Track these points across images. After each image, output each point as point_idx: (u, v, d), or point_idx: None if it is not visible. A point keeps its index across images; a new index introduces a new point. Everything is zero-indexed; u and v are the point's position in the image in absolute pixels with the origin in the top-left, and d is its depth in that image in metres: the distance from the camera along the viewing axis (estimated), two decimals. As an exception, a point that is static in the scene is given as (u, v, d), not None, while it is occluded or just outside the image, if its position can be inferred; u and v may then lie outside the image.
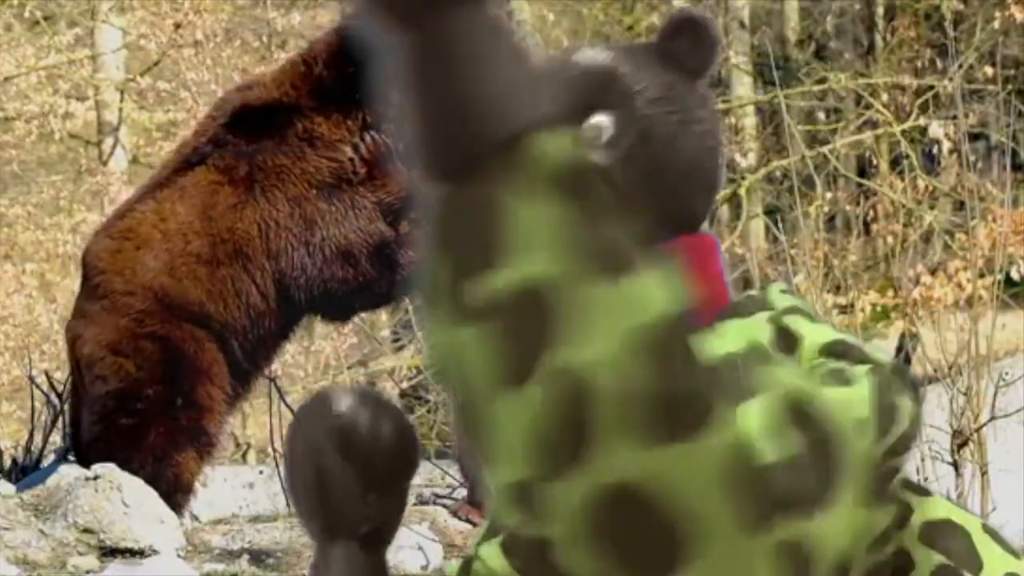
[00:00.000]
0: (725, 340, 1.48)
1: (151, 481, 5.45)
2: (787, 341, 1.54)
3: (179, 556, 5.29)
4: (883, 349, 1.63)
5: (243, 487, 7.95)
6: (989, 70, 12.55)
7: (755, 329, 1.54)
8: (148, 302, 5.66)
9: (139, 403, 5.61)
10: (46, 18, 16.02)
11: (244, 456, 13.13)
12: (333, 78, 5.68)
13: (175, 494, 5.59)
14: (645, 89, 1.63)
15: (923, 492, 1.61)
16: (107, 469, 5.37)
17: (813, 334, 1.55)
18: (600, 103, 1.62)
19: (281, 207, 5.66)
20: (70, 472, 5.56)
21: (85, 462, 5.65)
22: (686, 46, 1.67)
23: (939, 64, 13.77)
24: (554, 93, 1.18)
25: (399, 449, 1.60)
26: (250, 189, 5.67)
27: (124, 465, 5.45)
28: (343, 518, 1.61)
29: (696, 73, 1.68)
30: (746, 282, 11.02)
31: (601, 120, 1.61)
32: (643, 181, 1.61)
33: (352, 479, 1.59)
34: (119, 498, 5.31)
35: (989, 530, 1.62)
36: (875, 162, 13.49)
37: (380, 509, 1.61)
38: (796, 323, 1.56)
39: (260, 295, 5.68)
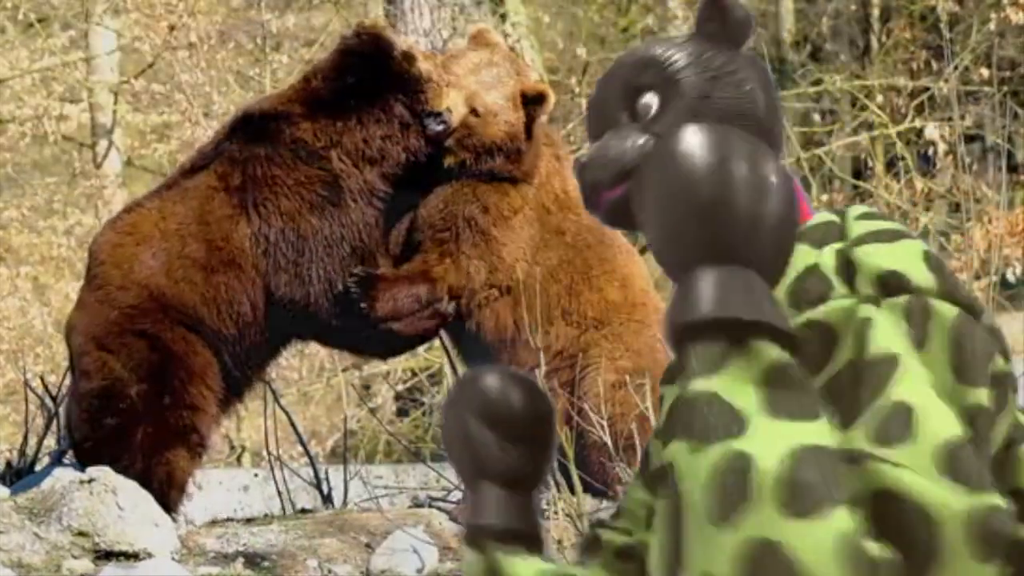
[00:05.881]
0: (792, 266, 1.75)
1: (142, 479, 5.44)
2: (848, 270, 1.77)
3: (174, 559, 5.28)
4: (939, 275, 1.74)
5: (238, 490, 7.95)
6: (985, 72, 12.53)
7: (820, 257, 1.79)
8: (142, 299, 5.67)
9: (122, 403, 5.60)
10: (40, 20, 16.01)
11: (239, 459, 13.12)
12: (328, 89, 5.76)
13: (168, 492, 5.59)
14: (675, 62, 1.92)
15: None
16: (102, 472, 5.36)
17: (873, 261, 1.75)
18: (646, 84, 1.93)
19: (274, 222, 5.71)
20: (65, 475, 5.55)
21: (80, 461, 5.65)
22: (716, 27, 1.95)
23: (935, 66, 13.76)
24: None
25: (530, 410, 2.05)
26: (243, 200, 5.73)
27: (113, 464, 5.45)
28: (485, 465, 2.03)
29: (733, 45, 1.95)
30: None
31: (648, 99, 1.92)
32: None
33: (489, 436, 2.03)
34: (114, 501, 5.30)
35: None
36: (871, 164, 13.47)
37: (519, 457, 2.04)
38: (862, 252, 1.77)
39: (251, 306, 5.72)
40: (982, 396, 1.67)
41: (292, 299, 5.72)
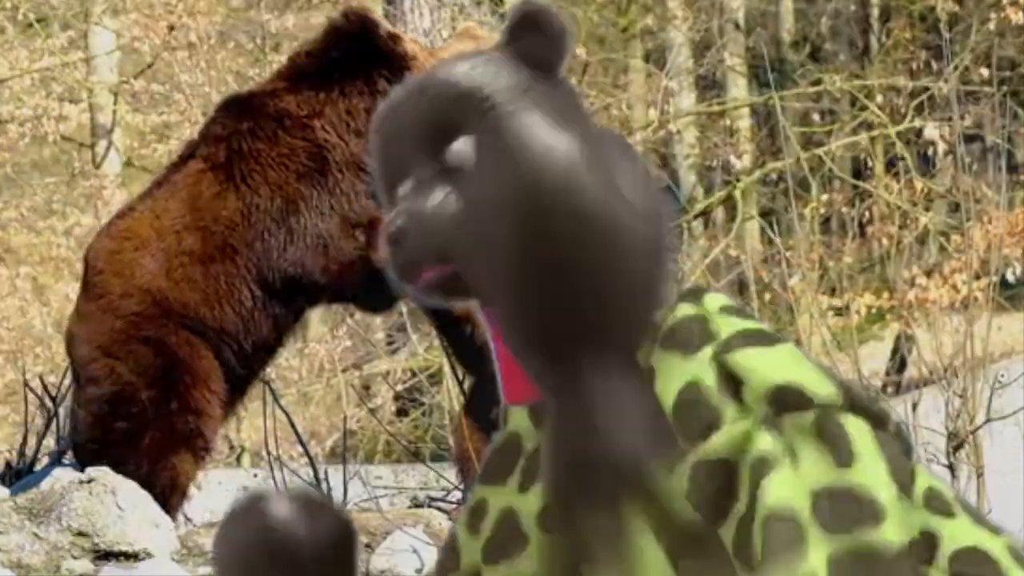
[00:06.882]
0: (668, 382, 1.54)
1: (146, 483, 5.43)
2: (732, 384, 1.52)
3: (173, 559, 5.28)
4: (831, 380, 1.56)
5: (238, 490, 7.94)
6: (984, 72, 12.54)
7: (698, 369, 1.54)
8: (145, 305, 5.65)
9: (134, 407, 5.60)
10: (39, 20, 16.01)
11: (239, 459, 13.12)
12: (312, 64, 5.76)
13: (171, 496, 5.59)
14: (497, 100, 1.54)
15: (945, 510, 1.59)
16: (101, 472, 5.36)
17: (760, 373, 1.52)
18: (458, 124, 1.54)
19: (263, 192, 5.69)
20: (64, 475, 5.55)
21: (80, 462, 5.65)
22: (533, 41, 1.59)
23: (934, 66, 13.76)
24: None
25: (332, 552, 1.64)
26: (230, 175, 5.71)
27: (119, 467, 5.44)
28: None
29: (548, 66, 1.59)
30: (741, 284, 11.00)
31: (462, 146, 1.54)
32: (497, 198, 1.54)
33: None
34: (113, 501, 5.29)
35: (1014, 551, 1.60)
36: (870, 164, 13.48)
37: None
38: (743, 359, 1.53)
39: (249, 291, 5.68)
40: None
41: (286, 260, 5.67)
